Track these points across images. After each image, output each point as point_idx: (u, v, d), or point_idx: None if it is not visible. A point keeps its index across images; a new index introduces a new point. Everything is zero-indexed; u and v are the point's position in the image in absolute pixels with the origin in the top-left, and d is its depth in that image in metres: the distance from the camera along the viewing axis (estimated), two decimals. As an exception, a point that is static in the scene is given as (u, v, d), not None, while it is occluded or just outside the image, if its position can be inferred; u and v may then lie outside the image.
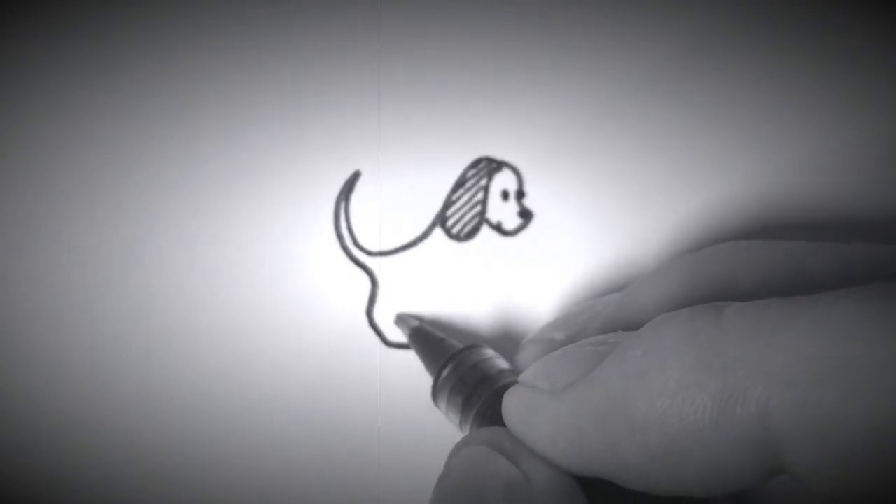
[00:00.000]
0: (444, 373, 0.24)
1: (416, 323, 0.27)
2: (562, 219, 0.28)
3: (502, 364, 0.24)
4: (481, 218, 0.28)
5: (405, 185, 0.28)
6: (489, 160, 0.28)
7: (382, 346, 0.28)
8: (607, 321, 0.23)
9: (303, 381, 0.28)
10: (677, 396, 0.16)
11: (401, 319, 0.28)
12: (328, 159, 0.28)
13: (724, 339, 0.16)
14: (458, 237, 0.28)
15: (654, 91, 0.28)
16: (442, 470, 0.20)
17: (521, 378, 0.20)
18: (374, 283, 0.28)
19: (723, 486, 0.17)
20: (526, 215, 0.28)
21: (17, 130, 0.28)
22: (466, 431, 0.23)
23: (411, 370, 0.28)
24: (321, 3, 0.28)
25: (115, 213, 0.28)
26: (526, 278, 0.28)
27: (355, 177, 0.28)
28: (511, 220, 0.28)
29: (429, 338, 0.26)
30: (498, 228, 0.28)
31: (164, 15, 0.28)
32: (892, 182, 0.28)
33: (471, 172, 0.28)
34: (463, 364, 0.24)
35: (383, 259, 0.28)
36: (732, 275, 0.22)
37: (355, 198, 0.28)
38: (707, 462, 0.16)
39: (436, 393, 0.25)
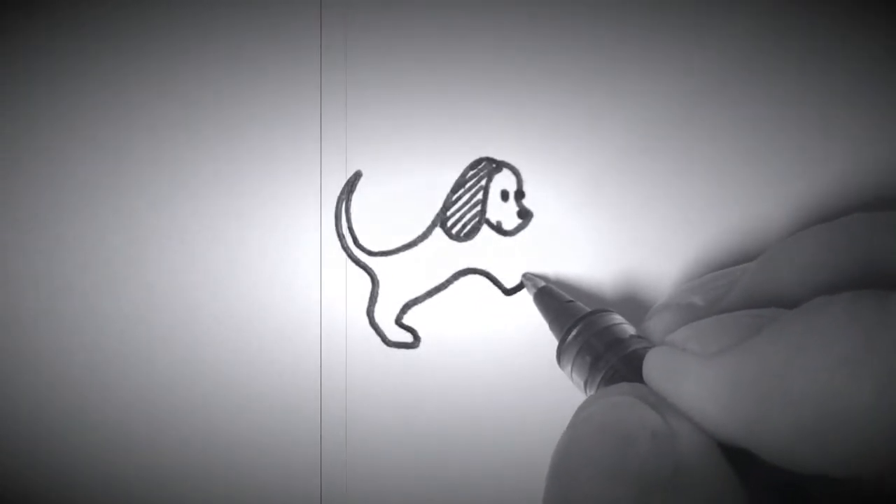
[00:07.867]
0: (573, 333, 0.24)
1: (542, 283, 0.27)
2: (561, 219, 0.28)
3: (631, 329, 0.24)
4: (481, 218, 0.28)
5: (405, 185, 0.28)
6: (489, 160, 0.28)
7: (382, 346, 0.28)
8: (748, 287, 0.23)
9: (303, 380, 0.28)
10: (838, 373, 0.16)
11: (527, 279, 0.27)
12: (329, 160, 0.28)
13: (889, 322, 0.16)
14: (457, 237, 0.28)
15: (653, 91, 0.28)
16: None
17: (668, 339, 0.20)
18: (374, 283, 0.28)
19: (869, 467, 0.17)
20: (525, 215, 0.28)
21: (18, 131, 0.28)
22: (591, 394, 0.23)
23: (411, 370, 0.28)
24: (320, 3, 0.28)
25: (116, 214, 0.28)
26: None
27: (356, 177, 0.28)
28: (511, 220, 0.28)
29: (556, 298, 0.26)
30: (498, 228, 0.28)
31: (164, 17, 0.28)
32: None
33: (471, 173, 0.28)
34: (592, 327, 0.24)
35: (383, 259, 0.28)
36: (868, 242, 0.22)
37: (356, 198, 0.28)
38: (860, 441, 0.16)
39: (561, 353, 0.25)
